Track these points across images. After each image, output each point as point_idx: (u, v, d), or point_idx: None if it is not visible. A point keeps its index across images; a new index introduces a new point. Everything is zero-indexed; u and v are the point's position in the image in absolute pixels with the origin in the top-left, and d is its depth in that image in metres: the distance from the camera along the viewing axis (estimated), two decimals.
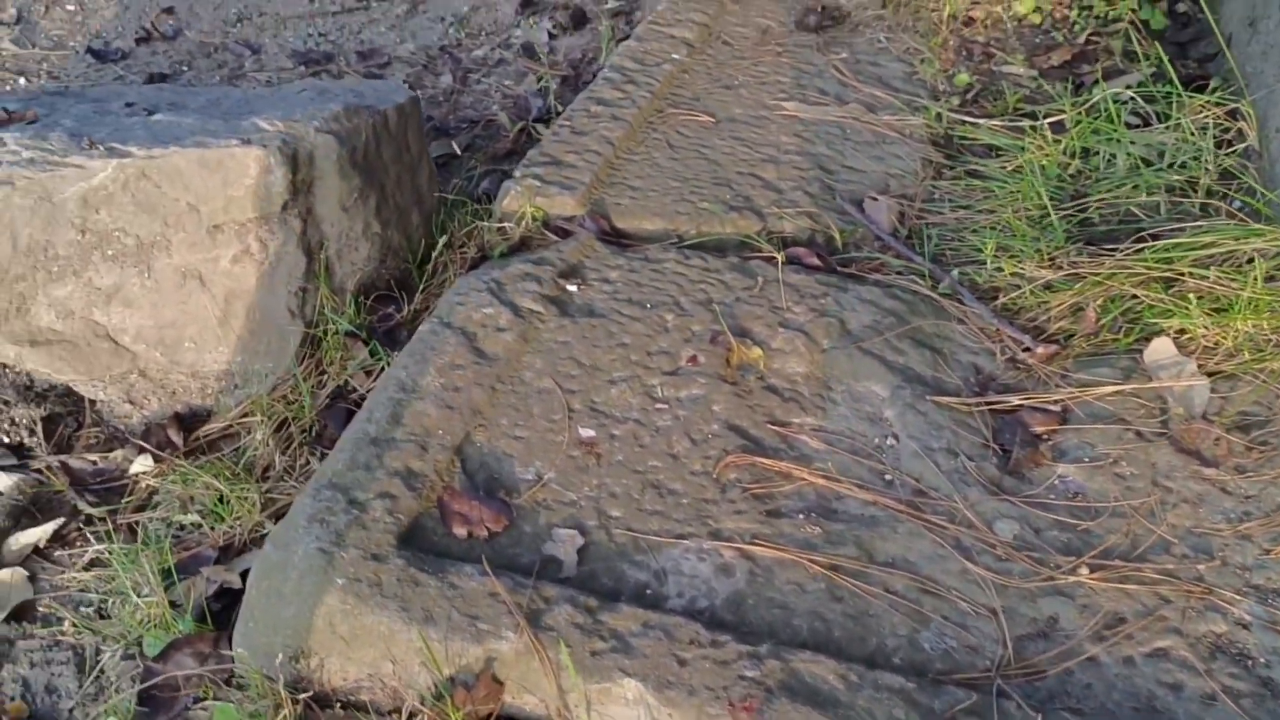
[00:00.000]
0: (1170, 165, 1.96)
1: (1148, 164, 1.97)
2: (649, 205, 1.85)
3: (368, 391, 1.58)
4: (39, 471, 1.52)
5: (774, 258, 1.75)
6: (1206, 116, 1.99)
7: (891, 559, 1.32)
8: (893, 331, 1.61)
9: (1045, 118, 2.06)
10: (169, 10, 2.74)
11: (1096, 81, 2.24)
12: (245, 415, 1.56)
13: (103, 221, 1.53)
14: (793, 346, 1.58)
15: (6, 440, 1.56)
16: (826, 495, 1.40)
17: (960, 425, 1.49)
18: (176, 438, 1.57)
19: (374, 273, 1.72)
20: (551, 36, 2.64)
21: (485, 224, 1.79)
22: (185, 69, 2.53)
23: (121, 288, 1.57)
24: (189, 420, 1.60)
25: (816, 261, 1.76)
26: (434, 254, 1.79)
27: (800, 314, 1.63)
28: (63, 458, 1.53)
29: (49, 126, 1.60)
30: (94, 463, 1.54)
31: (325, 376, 1.60)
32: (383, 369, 1.58)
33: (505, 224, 1.79)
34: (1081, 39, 2.42)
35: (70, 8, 2.79)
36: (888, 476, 1.44)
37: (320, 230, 1.63)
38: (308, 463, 1.49)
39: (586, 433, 1.44)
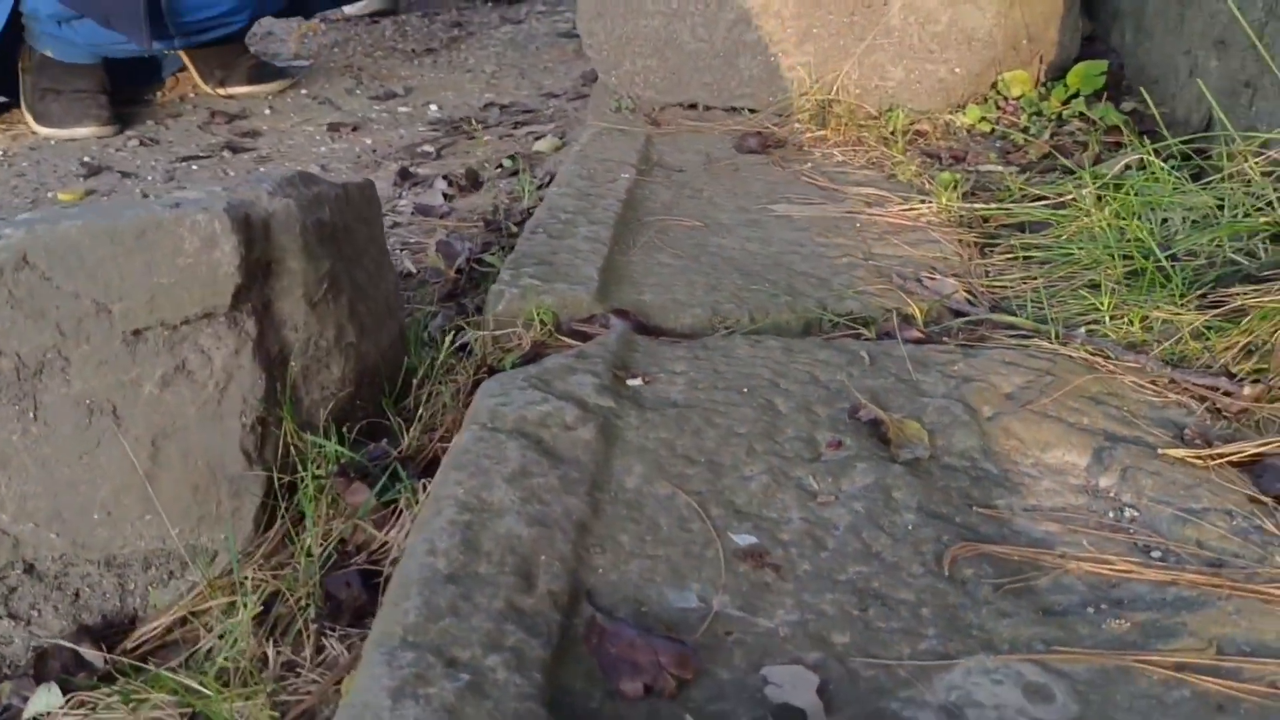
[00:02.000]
0: (1243, 214, 1.69)
1: (1206, 219, 1.70)
2: (679, 298, 1.45)
3: (380, 547, 1.07)
4: None
5: (861, 333, 1.37)
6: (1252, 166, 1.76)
7: (1247, 645, 0.89)
8: (1057, 392, 1.23)
9: (1066, 189, 1.79)
10: None
11: (1097, 161, 2.00)
12: (197, 607, 1.03)
13: None
14: (951, 417, 1.17)
15: None
16: (1098, 583, 0.97)
17: (1206, 483, 1.10)
18: (92, 655, 1.01)
19: (348, 401, 1.23)
20: (447, 198, 2.25)
21: (480, 334, 1.34)
22: None
23: None
24: (103, 632, 1.06)
25: (916, 334, 1.37)
26: (414, 380, 1.31)
27: (937, 382, 1.23)
28: None
29: None
30: None
31: (305, 538, 1.08)
32: (399, 514, 1.08)
33: (507, 331, 1.34)
34: (1045, 137, 2.20)
35: None
36: (1156, 552, 1.02)
37: (282, 336, 1.15)
38: (324, 649, 0.96)
39: (745, 540, 0.98)
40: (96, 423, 1.07)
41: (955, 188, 1.91)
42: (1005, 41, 2.28)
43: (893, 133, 2.23)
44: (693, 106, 2.35)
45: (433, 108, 3.00)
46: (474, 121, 2.85)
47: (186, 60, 3.13)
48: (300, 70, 3.43)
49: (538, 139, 2.64)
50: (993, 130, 2.28)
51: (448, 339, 1.40)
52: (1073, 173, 2.00)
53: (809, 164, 2.05)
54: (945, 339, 1.37)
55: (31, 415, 1.05)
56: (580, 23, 2.33)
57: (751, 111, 2.32)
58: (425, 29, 4.01)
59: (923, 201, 1.84)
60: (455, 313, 1.61)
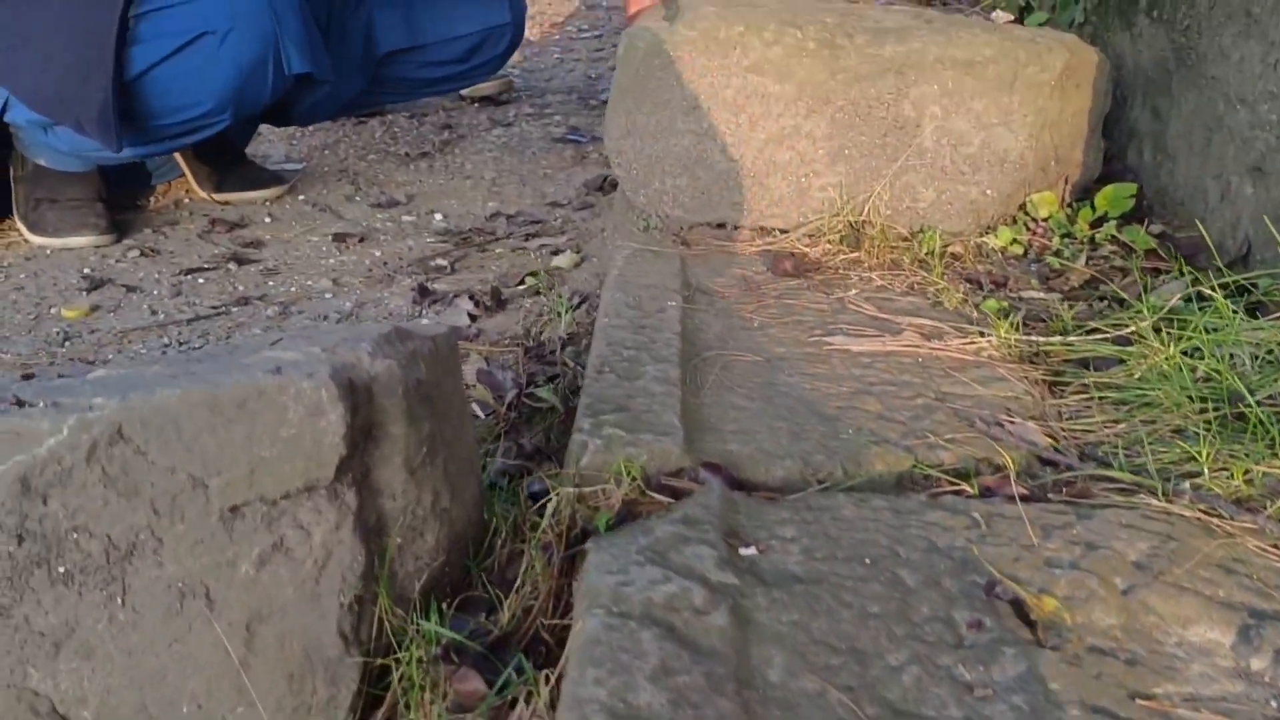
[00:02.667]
0: None
1: (1272, 357, 1.68)
2: (765, 448, 1.38)
3: None
4: None
5: (962, 489, 1.31)
6: None
7: None
8: (1186, 561, 1.17)
9: (1125, 323, 1.76)
10: None
11: (1143, 292, 1.97)
12: None
13: (52, 518, 0.93)
14: (1087, 591, 1.11)
15: None
16: None
17: None
18: None
19: (440, 570, 1.15)
20: (473, 318, 2.18)
21: (566, 490, 1.27)
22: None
23: (78, 627, 0.95)
24: None
25: (1019, 490, 1.32)
26: (496, 539, 1.24)
27: (1061, 550, 1.17)
28: None
29: None
30: None
31: None
32: (515, 704, 1.00)
33: (595, 488, 1.27)
34: (1081, 261, 2.18)
35: None
36: None
37: (380, 506, 1.07)
38: None
39: None
40: (188, 607, 0.98)
41: (1008, 317, 1.87)
42: (1036, 163, 2.26)
43: (928, 255, 2.20)
44: (721, 225, 2.31)
45: (438, 217, 2.94)
46: (483, 232, 2.79)
47: (181, 163, 3.06)
48: (294, 174, 3.37)
49: (554, 254, 2.59)
50: (1025, 253, 2.26)
51: (523, 491, 1.32)
52: (1122, 302, 1.97)
53: (852, 290, 2.01)
54: (1050, 496, 1.31)
55: (120, 601, 0.96)
56: (608, 141, 2.29)
57: (781, 231, 2.28)
58: (415, 130, 3.96)
59: (981, 334, 1.80)
60: (515, 454, 1.54)
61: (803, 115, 2.21)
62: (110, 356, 2.08)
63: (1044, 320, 1.91)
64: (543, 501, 1.28)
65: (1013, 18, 2.81)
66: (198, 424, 0.97)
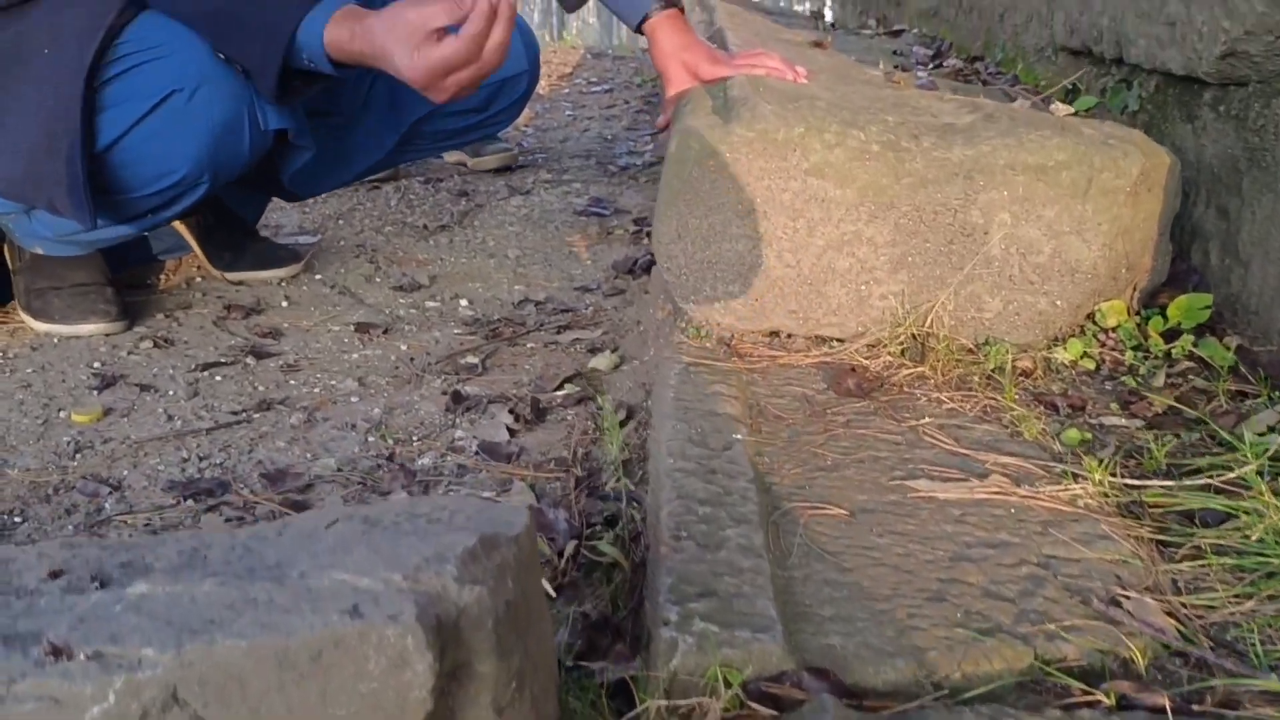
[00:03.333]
0: None
1: None
2: (870, 642, 1.24)
3: None
4: None
5: (1096, 699, 1.17)
6: None
7: None
8: None
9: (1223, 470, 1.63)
10: None
11: (1241, 421, 1.84)
12: None
13: None
14: None
15: None
16: None
17: None
18: None
19: None
20: (512, 433, 2.04)
21: (655, 704, 1.12)
22: (18, 519, 1.77)
23: None
24: None
25: (1160, 701, 1.18)
26: None
27: None
28: None
29: None
30: None
31: None
32: None
33: (689, 702, 1.13)
34: (1160, 381, 2.05)
35: None
36: None
37: None
38: None
39: None
40: None
41: (1095, 453, 1.74)
42: (1107, 272, 2.14)
43: (996, 371, 2.07)
44: (774, 334, 2.18)
45: (463, 303, 2.81)
46: (512, 323, 2.66)
47: (191, 241, 2.92)
48: (309, 246, 3.24)
49: (591, 351, 2.45)
50: (1097, 368, 2.13)
51: (602, 693, 1.18)
52: (1214, 436, 1.84)
53: (924, 417, 1.87)
54: (1194, 707, 1.17)
55: None
56: (657, 245, 2.16)
57: (839, 341, 2.15)
58: (431, 199, 3.84)
59: (1074, 478, 1.66)
60: (581, 625, 1.40)
61: (864, 220, 2.09)
62: (126, 472, 1.94)
63: (1135, 458, 1.78)
64: (630, 715, 1.13)
65: (1071, 110, 2.69)
66: (265, 682, 0.82)
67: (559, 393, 2.23)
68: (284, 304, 2.79)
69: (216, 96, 2.22)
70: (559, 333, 2.60)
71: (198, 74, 2.20)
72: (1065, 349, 2.16)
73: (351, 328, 2.62)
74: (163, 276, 2.95)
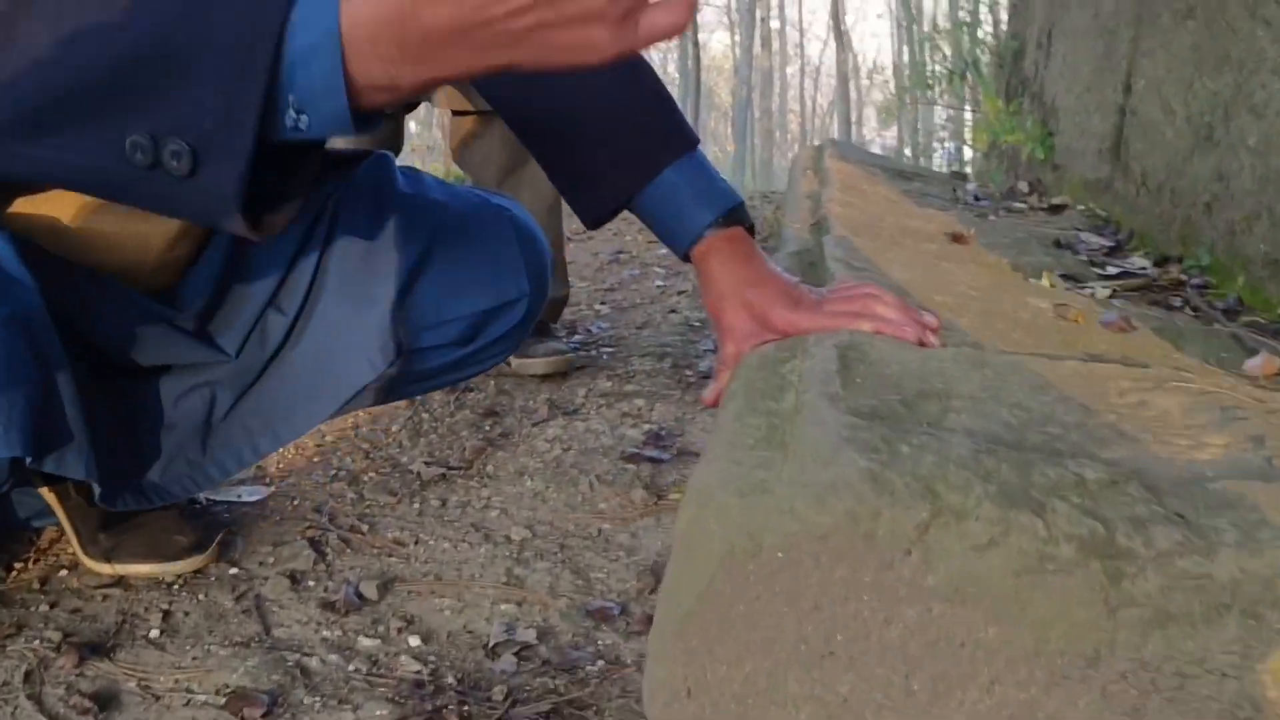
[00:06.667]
0: None
1: None
2: None
3: None
4: None
5: None
6: None
7: None
8: None
9: None
10: None
11: None
12: None
13: None
14: None
15: None
16: None
17: None
18: None
19: None
20: None
21: None
22: None
23: None
24: None
25: None
26: None
27: None
28: None
29: None
30: None
31: None
32: None
33: None
34: None
35: None
36: None
37: None
38: None
39: None
40: None
41: None
42: None
43: None
44: None
45: (413, 641, 1.87)
46: (472, 691, 1.70)
47: (62, 518, 2.06)
48: (245, 506, 2.34)
49: None
50: None
51: None
52: None
53: None
54: None
55: None
56: (649, 707, 1.18)
57: None
58: (447, 419, 2.94)
59: None
60: None
61: (1041, 685, 1.09)
62: None
63: None
64: None
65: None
66: None
67: None
68: (155, 630, 1.89)
69: None
70: None
71: None
72: None
73: (221, 700, 1.69)
74: (20, 564, 2.08)
